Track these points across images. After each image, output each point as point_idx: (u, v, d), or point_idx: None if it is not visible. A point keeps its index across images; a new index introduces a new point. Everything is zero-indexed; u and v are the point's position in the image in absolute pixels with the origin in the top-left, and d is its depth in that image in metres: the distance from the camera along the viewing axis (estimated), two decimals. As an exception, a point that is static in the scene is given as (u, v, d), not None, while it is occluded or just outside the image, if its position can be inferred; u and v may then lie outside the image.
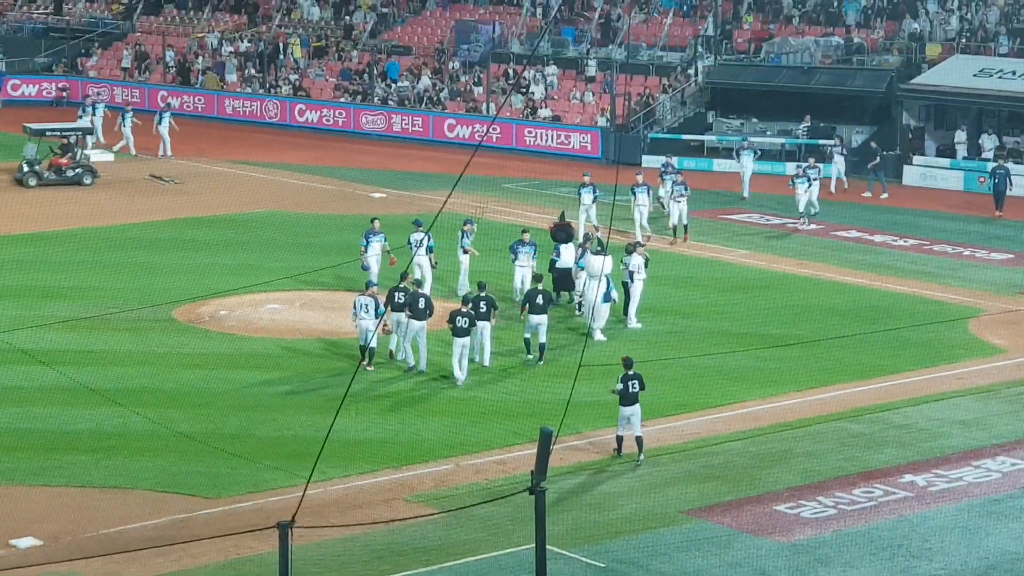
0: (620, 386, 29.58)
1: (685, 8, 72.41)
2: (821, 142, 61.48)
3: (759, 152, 57.55)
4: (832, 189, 57.10)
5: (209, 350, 36.61)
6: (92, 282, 41.97)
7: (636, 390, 29.70)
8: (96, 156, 59.56)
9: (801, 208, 52.02)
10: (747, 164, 56.54)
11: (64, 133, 58.23)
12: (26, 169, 56.66)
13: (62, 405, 32.10)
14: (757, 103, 65.95)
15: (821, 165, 54.62)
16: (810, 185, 51.98)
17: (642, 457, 29.62)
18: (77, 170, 56.97)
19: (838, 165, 58.11)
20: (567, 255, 40.55)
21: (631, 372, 29.82)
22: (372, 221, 41.31)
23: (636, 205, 48.17)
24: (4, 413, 31.60)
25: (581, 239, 41.12)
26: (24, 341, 35.18)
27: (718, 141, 64.60)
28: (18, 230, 47.98)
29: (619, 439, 29.86)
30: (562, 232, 41.34)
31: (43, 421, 31.25)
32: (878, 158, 58.46)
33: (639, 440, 29.68)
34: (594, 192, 47.58)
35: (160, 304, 39.78)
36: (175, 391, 33.35)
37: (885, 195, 57.54)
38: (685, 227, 48.92)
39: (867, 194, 57.66)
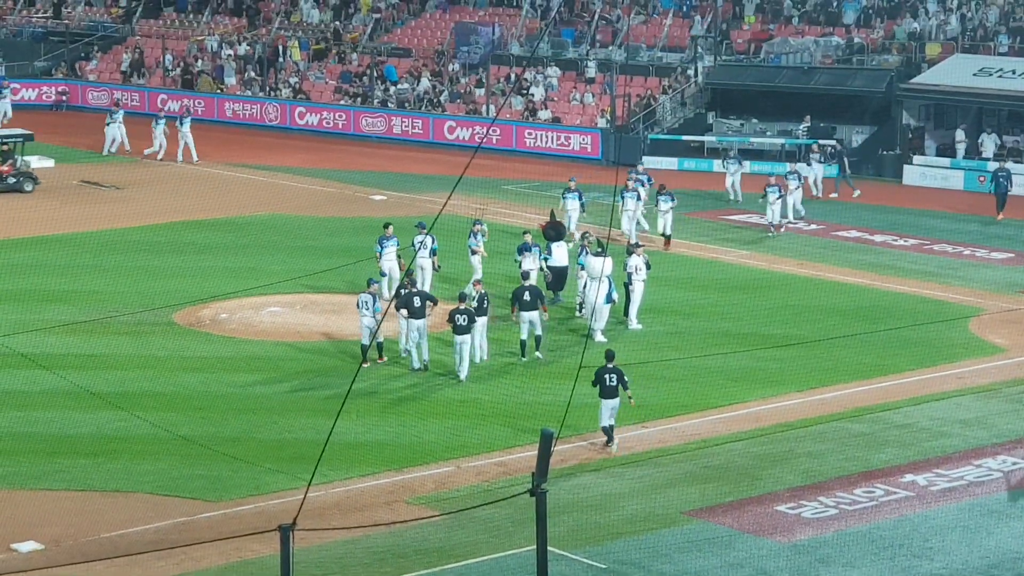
0: (596, 382, 29.85)
1: (685, 9, 72.37)
2: (821, 142, 61.32)
3: (742, 163, 56.99)
4: (826, 193, 56.98)
5: (210, 353, 36.62)
6: (92, 286, 41.93)
7: (614, 384, 29.90)
8: (36, 163, 58.99)
9: (769, 218, 50.76)
10: (734, 172, 56.11)
11: (4, 140, 57.62)
12: None
13: (63, 409, 32.09)
14: (757, 103, 65.89)
15: (799, 170, 54.02)
16: (780, 195, 50.84)
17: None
18: (18, 177, 56.34)
19: (815, 170, 57.58)
20: (558, 253, 40.54)
21: (610, 365, 30.10)
22: (385, 227, 41.00)
23: (624, 210, 47.86)
24: (5, 417, 31.56)
25: (579, 239, 41.05)
26: (24, 345, 35.15)
27: (718, 142, 64.53)
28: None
29: (606, 430, 30.08)
30: (553, 231, 41.30)
31: (44, 425, 31.24)
32: (844, 159, 58.47)
33: (611, 428, 30.10)
34: (580, 199, 47.31)
35: (160, 307, 39.76)
36: (176, 394, 33.35)
37: (834, 195, 57.20)
38: (668, 236, 48.56)
39: (857, 193, 57.50)
